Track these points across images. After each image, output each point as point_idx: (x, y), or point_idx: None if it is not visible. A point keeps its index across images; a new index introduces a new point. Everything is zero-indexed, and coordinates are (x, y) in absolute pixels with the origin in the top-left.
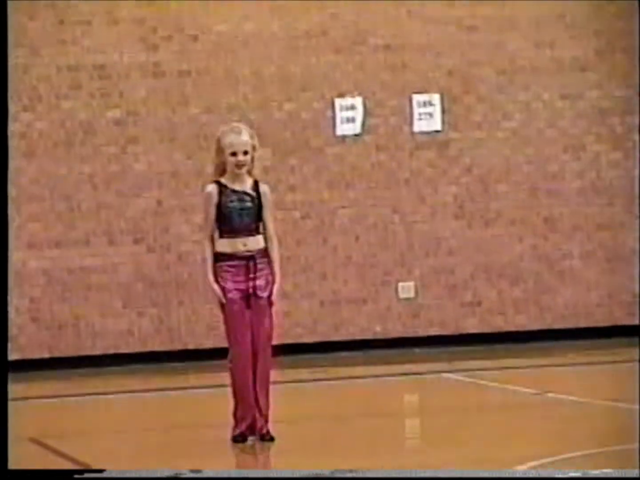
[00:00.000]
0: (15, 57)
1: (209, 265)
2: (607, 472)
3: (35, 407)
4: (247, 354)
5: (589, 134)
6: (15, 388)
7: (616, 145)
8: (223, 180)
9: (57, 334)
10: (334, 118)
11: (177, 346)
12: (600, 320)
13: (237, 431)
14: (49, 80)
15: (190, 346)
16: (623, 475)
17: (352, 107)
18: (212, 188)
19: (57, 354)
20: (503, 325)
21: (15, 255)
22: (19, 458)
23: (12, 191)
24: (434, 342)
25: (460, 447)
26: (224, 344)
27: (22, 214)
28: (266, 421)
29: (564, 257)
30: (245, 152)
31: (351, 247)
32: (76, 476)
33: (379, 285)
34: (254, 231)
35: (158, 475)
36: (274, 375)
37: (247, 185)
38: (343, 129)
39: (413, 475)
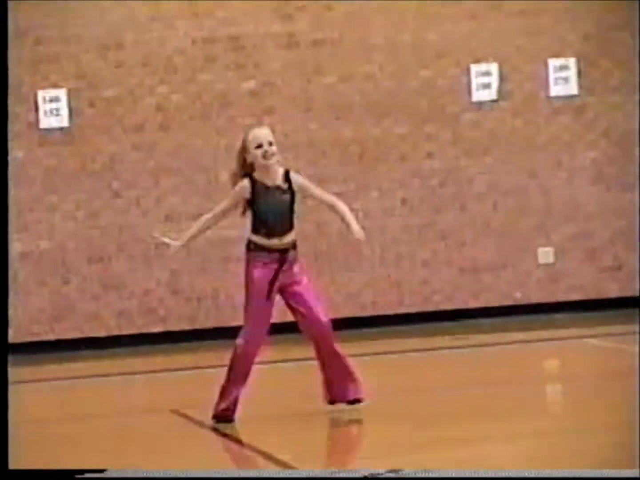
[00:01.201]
0: (150, 31)
1: (191, 233)
2: (608, 472)
3: (176, 379)
4: (260, 337)
5: None
6: (156, 360)
7: None
8: (257, 176)
9: (197, 306)
10: (469, 84)
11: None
12: None
13: (219, 408)
14: (184, 52)
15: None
16: (623, 475)
17: (488, 73)
18: (246, 182)
19: (197, 326)
20: None
21: (155, 228)
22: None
23: (149, 164)
24: (574, 308)
25: (596, 414)
26: (362, 312)
27: (160, 187)
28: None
29: None
30: (270, 143)
31: (489, 213)
32: (77, 476)
33: (518, 251)
34: (287, 230)
35: (159, 475)
36: (415, 343)
37: (278, 177)
38: (479, 95)
39: (413, 475)
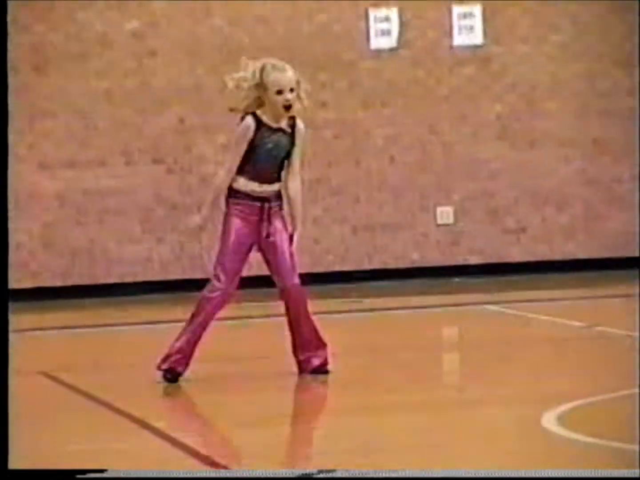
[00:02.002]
0: None
1: (216, 195)
2: (608, 472)
3: (47, 339)
4: (228, 292)
5: None
6: (27, 318)
7: None
8: (262, 115)
9: (71, 261)
10: (367, 31)
11: (199, 274)
12: None
13: (165, 366)
14: None
15: None
16: (623, 475)
17: (388, 19)
18: (251, 122)
19: (70, 282)
20: (548, 254)
21: (27, 177)
22: (29, 392)
23: (24, 108)
24: (474, 272)
25: (497, 384)
26: (249, 272)
27: (34, 132)
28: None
29: (615, 181)
30: (292, 90)
31: (386, 169)
32: (78, 476)
33: (416, 210)
34: (276, 179)
35: (160, 475)
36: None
37: (284, 121)
38: (378, 42)
39: (411, 475)
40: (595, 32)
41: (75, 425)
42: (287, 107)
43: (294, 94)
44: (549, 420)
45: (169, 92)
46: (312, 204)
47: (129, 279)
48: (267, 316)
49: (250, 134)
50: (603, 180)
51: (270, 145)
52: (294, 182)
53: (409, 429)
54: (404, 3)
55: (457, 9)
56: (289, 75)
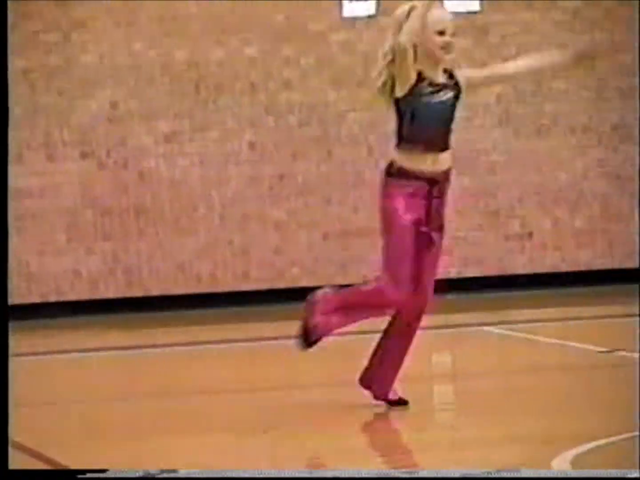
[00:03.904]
0: None
1: None
2: (608, 472)
3: None
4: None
5: None
6: None
7: None
8: (417, 66)
9: None
10: None
11: (136, 291)
12: None
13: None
14: None
15: (154, 292)
16: (623, 475)
17: None
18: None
19: None
20: (560, 264)
21: None
22: None
23: None
24: (471, 286)
25: (498, 421)
26: (197, 289)
27: None
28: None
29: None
30: (453, 34)
31: (362, 162)
32: (79, 476)
33: None
34: (446, 147)
35: (160, 475)
36: (263, 329)
37: (440, 75)
38: (352, 9)
39: (411, 475)
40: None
41: None
42: (449, 51)
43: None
44: (560, 465)
45: (100, 71)
46: (273, 206)
47: (52, 298)
48: None
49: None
50: (625, 174)
51: (435, 105)
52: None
53: None
54: None
55: None
56: (449, 14)
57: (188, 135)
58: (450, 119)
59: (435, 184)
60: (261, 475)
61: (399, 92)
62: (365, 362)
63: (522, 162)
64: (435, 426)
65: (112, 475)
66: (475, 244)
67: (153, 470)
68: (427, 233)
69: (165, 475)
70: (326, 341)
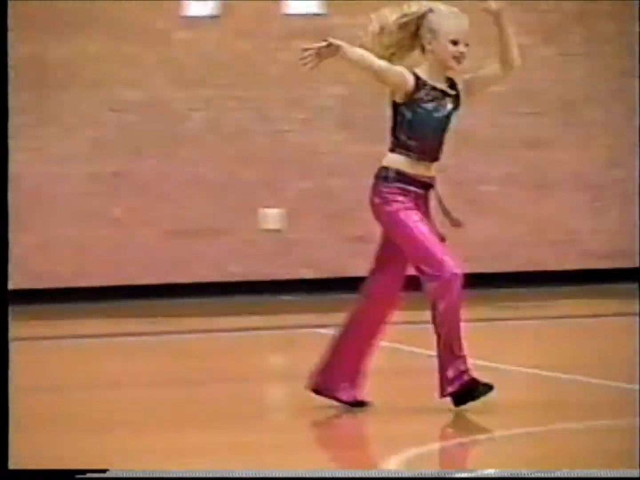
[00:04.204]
0: None
1: (358, 53)
2: (608, 472)
3: None
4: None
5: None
6: None
7: (547, 39)
8: (420, 71)
9: None
10: None
11: None
12: (523, 263)
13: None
14: None
15: None
16: (623, 475)
17: None
18: (408, 75)
19: None
20: None
21: None
22: None
23: None
24: (307, 288)
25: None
26: (35, 284)
27: None
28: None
29: (480, 181)
30: (466, 44)
31: (203, 161)
32: (78, 476)
33: (238, 211)
34: (438, 157)
35: (160, 475)
36: (97, 326)
37: (443, 83)
38: (193, 8)
39: (411, 475)
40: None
41: None
42: (460, 62)
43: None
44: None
45: None
46: (112, 202)
47: None
48: None
49: (408, 86)
50: (462, 179)
51: (434, 111)
52: (496, 65)
53: None
54: None
55: None
56: (467, 21)
57: (26, 130)
58: (445, 129)
59: (430, 189)
60: (261, 475)
61: (398, 98)
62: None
63: (363, 166)
64: (263, 429)
65: (113, 475)
66: (313, 246)
67: (154, 470)
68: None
69: (165, 475)
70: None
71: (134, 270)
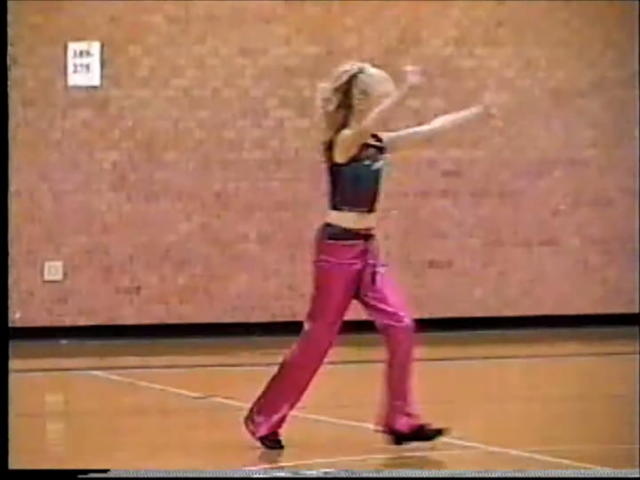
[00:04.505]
0: None
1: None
2: (608, 472)
3: None
4: (328, 343)
5: (272, 96)
6: None
7: (303, 111)
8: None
9: None
10: None
11: None
12: (279, 313)
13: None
14: None
15: None
16: (623, 475)
17: None
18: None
19: None
20: (165, 316)
21: None
22: None
23: None
24: (84, 333)
25: (102, 455)
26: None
27: None
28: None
29: (240, 240)
30: None
31: None
32: (80, 476)
33: (22, 264)
34: (375, 207)
35: (160, 475)
36: None
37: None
38: None
39: (411, 475)
40: (221, 76)
41: None
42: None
43: None
44: None
45: None
46: None
47: None
48: None
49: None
50: (225, 238)
51: (367, 165)
52: (426, 127)
53: None
54: (16, 39)
55: (73, 46)
56: (386, 75)
57: None
58: (380, 181)
59: (370, 239)
60: (261, 475)
61: (339, 159)
62: None
63: (134, 223)
64: (45, 459)
65: (115, 475)
66: (89, 295)
67: (155, 470)
68: (372, 271)
69: (165, 475)
70: None
71: None
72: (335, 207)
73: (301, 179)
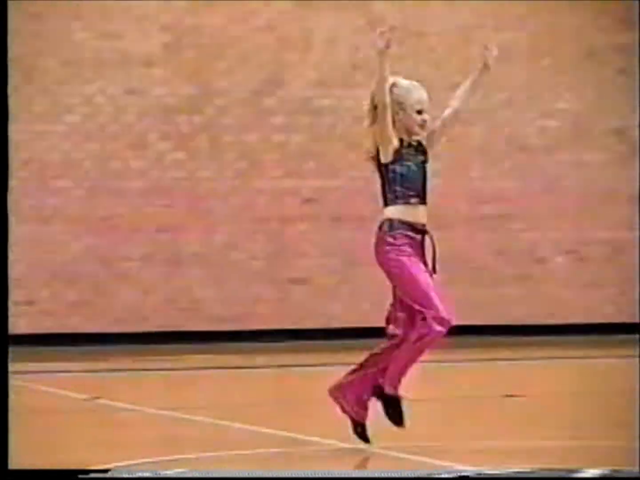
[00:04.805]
0: None
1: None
2: (608, 472)
3: None
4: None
5: (153, 131)
6: None
7: (181, 145)
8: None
9: None
10: None
11: None
12: (158, 324)
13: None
14: None
15: None
16: (623, 476)
17: None
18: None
19: None
20: (56, 327)
21: None
22: None
23: None
24: None
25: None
26: None
27: None
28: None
29: (123, 259)
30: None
31: None
32: (80, 476)
33: None
34: (425, 201)
35: (160, 475)
36: None
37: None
38: None
39: (410, 475)
40: (108, 113)
41: None
42: (424, 129)
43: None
44: None
45: None
46: None
47: None
48: None
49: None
50: (111, 257)
51: (413, 162)
52: (453, 105)
53: None
54: None
55: None
56: (424, 92)
57: None
58: (426, 176)
59: (426, 234)
60: (261, 475)
61: (384, 159)
62: None
63: (28, 244)
64: None
65: (116, 475)
66: None
67: (156, 470)
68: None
69: (165, 475)
70: None
71: None
72: (388, 203)
73: (178, 205)
